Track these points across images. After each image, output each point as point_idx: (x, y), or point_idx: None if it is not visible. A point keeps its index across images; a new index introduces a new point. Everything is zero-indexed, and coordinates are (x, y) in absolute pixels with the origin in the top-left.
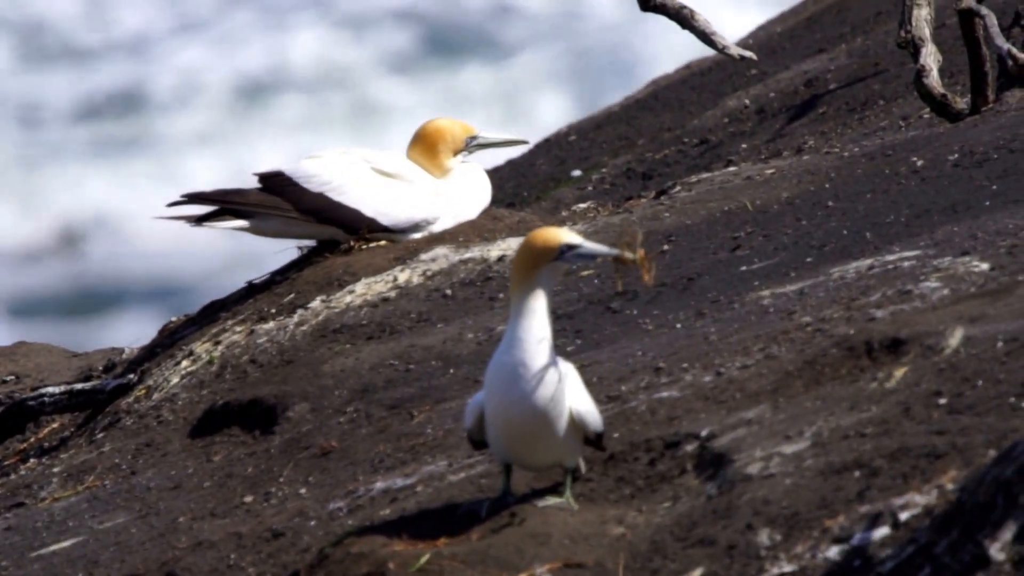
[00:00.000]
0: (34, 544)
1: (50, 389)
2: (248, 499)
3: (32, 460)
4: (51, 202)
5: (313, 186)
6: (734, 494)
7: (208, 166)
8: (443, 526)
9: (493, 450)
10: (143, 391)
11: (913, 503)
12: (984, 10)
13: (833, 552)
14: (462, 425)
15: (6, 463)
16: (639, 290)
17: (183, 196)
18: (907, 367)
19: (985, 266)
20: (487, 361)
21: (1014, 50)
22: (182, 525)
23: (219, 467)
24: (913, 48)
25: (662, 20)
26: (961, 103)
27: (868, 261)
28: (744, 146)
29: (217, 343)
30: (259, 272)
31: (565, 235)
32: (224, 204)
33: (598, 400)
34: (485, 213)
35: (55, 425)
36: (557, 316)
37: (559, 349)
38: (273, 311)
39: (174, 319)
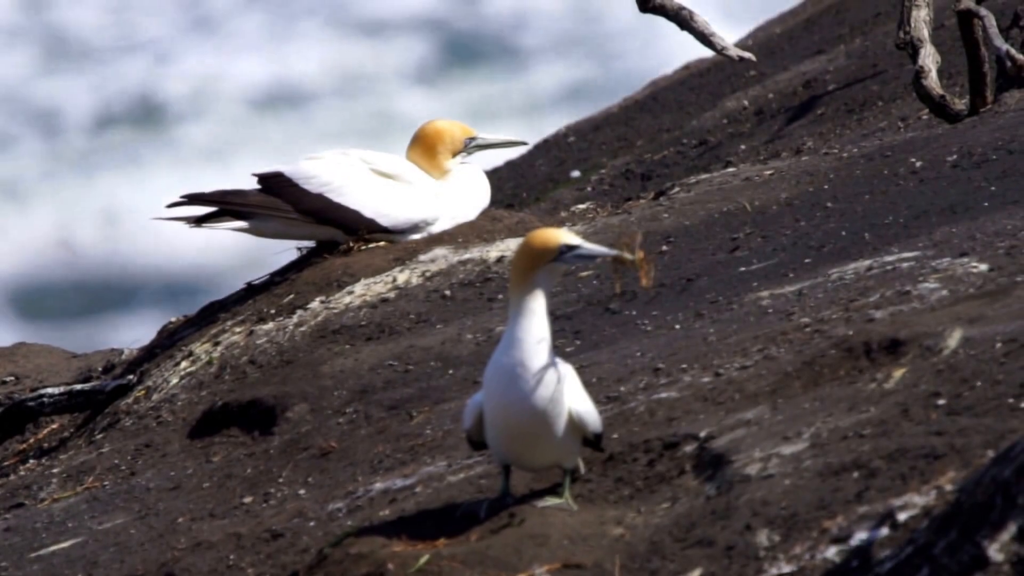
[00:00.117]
0: (33, 545)
1: (49, 390)
2: (247, 500)
3: (31, 461)
4: (66, 205)
5: (312, 187)
6: (733, 495)
7: (225, 174)
8: (442, 527)
9: (492, 451)
10: (142, 392)
11: (912, 504)
12: (983, 11)
13: (832, 553)
14: (461, 426)
15: (6, 464)
16: (638, 291)
17: (183, 197)
18: (906, 368)
19: (984, 267)
20: (486, 362)
21: (1013, 51)
22: (181, 526)
23: (218, 468)
24: (912, 49)
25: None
26: (960, 104)
27: (867, 262)
28: (743, 147)
29: (216, 344)
30: (270, 272)
31: (564, 236)
32: (224, 205)
33: (597, 401)
34: (484, 214)
35: (54, 426)
36: (556, 317)
37: (558, 350)
38: (272, 312)
39: (173, 320)
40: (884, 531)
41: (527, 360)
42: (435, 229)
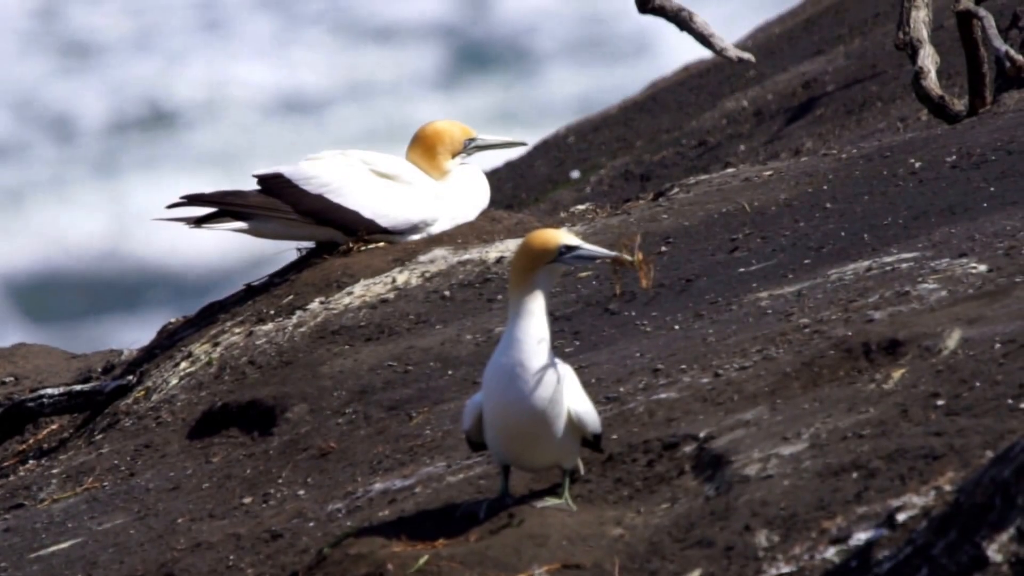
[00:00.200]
0: (33, 545)
1: (49, 391)
2: (247, 500)
3: (31, 461)
4: (78, 208)
5: (312, 188)
6: (732, 495)
7: (239, 180)
8: (442, 527)
9: (491, 451)
10: (142, 392)
11: (911, 504)
12: (982, 12)
13: (831, 553)
14: (460, 426)
15: (5, 464)
16: (637, 291)
17: (182, 198)
18: (905, 368)
19: (983, 268)
20: (485, 362)
21: (1012, 52)
22: (181, 526)
23: (218, 468)
24: (911, 50)
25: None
26: (959, 105)
27: (866, 263)
28: (742, 148)
29: (216, 344)
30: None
31: (563, 236)
32: (223, 206)
33: (596, 401)
34: (483, 215)
35: (54, 426)
36: (555, 317)
37: (557, 350)
38: (272, 312)
39: (173, 320)
40: (883, 531)
41: (526, 361)
42: (434, 230)
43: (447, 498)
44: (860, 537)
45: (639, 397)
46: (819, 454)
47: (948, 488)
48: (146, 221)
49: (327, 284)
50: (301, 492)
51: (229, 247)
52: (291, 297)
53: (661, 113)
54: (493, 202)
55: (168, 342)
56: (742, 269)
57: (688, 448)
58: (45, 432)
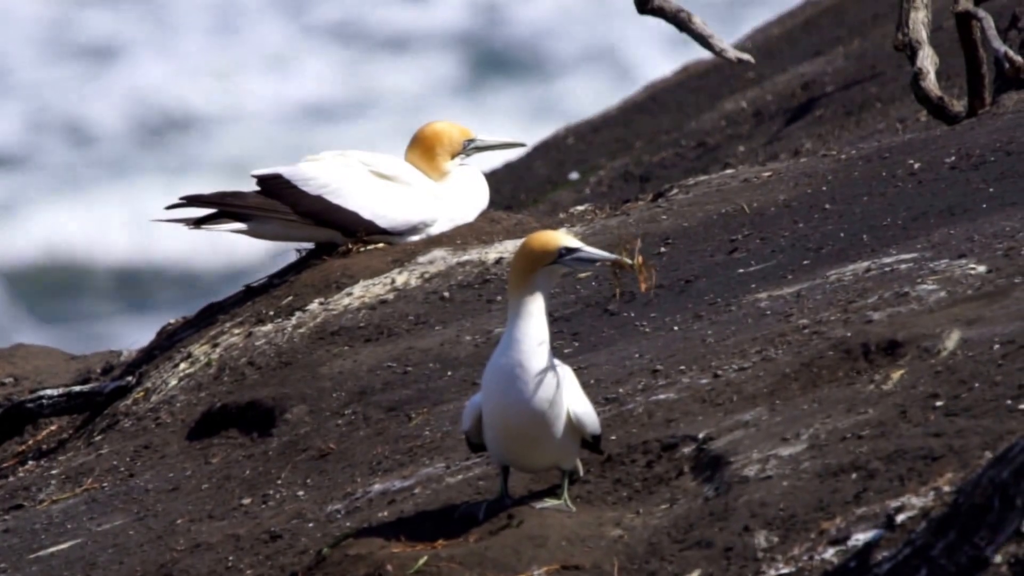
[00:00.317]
0: (32, 546)
1: (48, 391)
2: (246, 501)
3: (30, 462)
4: (93, 212)
5: (311, 189)
6: (731, 496)
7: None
8: (441, 528)
9: (491, 452)
10: (141, 393)
11: (910, 505)
12: (981, 13)
13: (830, 554)
14: (460, 427)
15: (5, 465)
16: (636, 292)
17: (182, 199)
18: (904, 369)
19: (982, 269)
20: (485, 363)
21: (1011, 53)
22: (180, 527)
23: (217, 469)
24: (910, 51)
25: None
26: (958, 106)
27: (865, 263)
28: (741, 149)
29: (215, 345)
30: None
31: (564, 238)
32: (223, 207)
33: (595, 402)
34: (483, 216)
35: (53, 427)
36: (554, 318)
37: (556, 351)
38: (271, 313)
39: (172, 321)
40: (882, 532)
41: (526, 361)
42: (434, 231)
43: (446, 499)
44: (859, 538)
45: (638, 398)
46: (818, 455)
47: (947, 489)
48: (162, 227)
49: (326, 285)
50: (300, 493)
51: (250, 249)
52: (290, 298)
53: (660, 114)
54: (492, 203)
55: (167, 343)
56: (741, 270)
57: (687, 449)
58: (44, 433)
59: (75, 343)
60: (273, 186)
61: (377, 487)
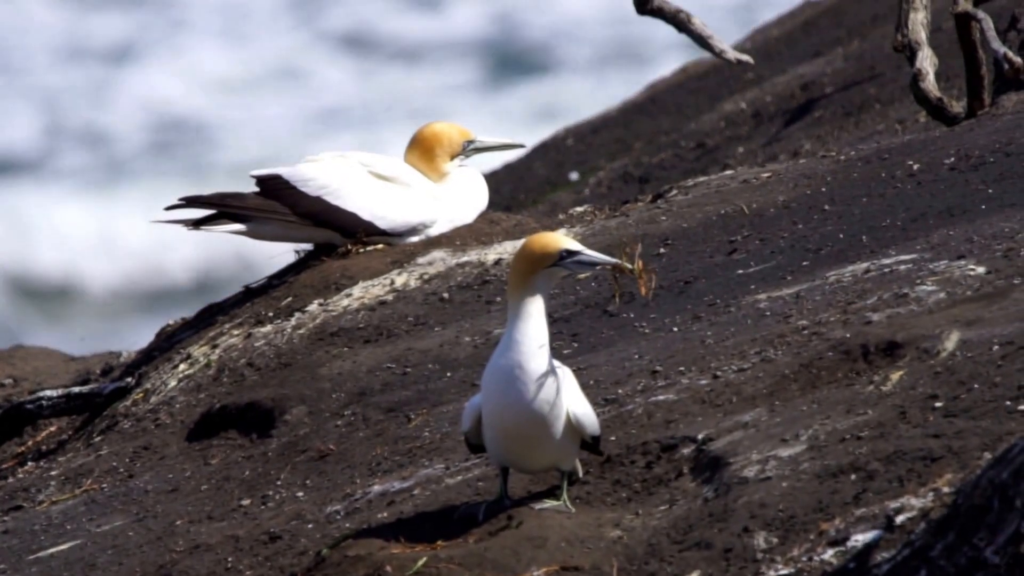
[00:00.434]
0: (32, 547)
1: (48, 392)
2: (245, 502)
3: (30, 463)
4: (106, 216)
5: (311, 190)
6: (730, 497)
7: None
8: (440, 529)
9: (490, 453)
10: (140, 394)
11: (909, 506)
12: (980, 14)
13: (829, 555)
14: (459, 428)
15: (4, 466)
16: (635, 293)
17: (181, 199)
18: (903, 370)
19: (981, 270)
20: (484, 364)
21: (1010, 54)
22: (179, 528)
23: (216, 470)
24: (909, 52)
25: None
26: (957, 107)
27: (864, 265)
28: (740, 150)
29: (214, 346)
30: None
31: (564, 241)
32: (222, 208)
33: (595, 403)
34: (482, 217)
35: (53, 428)
36: (554, 319)
37: (556, 352)
38: (270, 314)
39: (171, 322)
40: (882, 533)
41: (525, 363)
42: (433, 232)
43: (446, 500)
44: (858, 539)
45: (637, 399)
46: (817, 456)
47: (946, 490)
48: (183, 233)
49: (326, 286)
50: (300, 494)
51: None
52: (289, 299)
53: (660, 115)
54: (491, 204)
55: (166, 344)
56: (740, 271)
57: (686, 450)
58: (44, 434)
59: (75, 344)
60: (272, 187)
61: (376, 488)
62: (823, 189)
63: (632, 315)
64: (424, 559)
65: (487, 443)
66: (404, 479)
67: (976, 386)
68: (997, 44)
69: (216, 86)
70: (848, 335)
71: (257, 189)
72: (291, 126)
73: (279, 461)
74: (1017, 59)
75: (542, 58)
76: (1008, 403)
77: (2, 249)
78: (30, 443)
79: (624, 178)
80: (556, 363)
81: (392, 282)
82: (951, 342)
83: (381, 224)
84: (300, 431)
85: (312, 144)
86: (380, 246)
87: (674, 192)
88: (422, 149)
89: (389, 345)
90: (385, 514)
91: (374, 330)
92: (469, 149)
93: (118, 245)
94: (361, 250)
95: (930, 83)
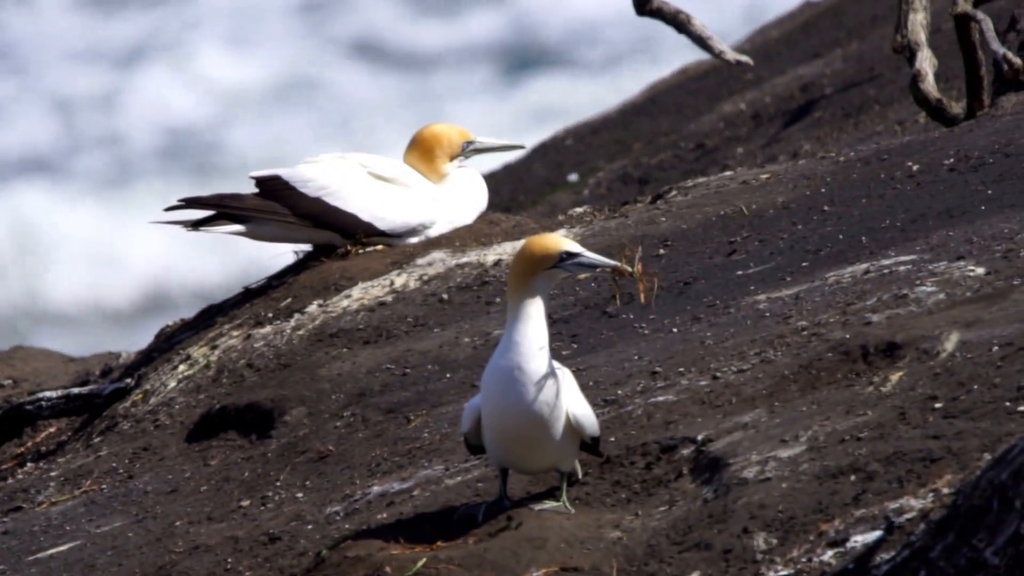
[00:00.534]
0: (31, 548)
1: (47, 393)
2: (245, 503)
3: (29, 464)
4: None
5: (310, 190)
6: (730, 498)
7: None
8: (440, 530)
9: (490, 454)
10: (140, 395)
11: (909, 507)
12: (980, 15)
13: (829, 556)
14: (459, 429)
15: (3, 467)
16: (635, 294)
17: (180, 200)
18: (903, 371)
19: (980, 271)
20: (483, 365)
21: (1010, 54)
22: (179, 529)
23: (216, 471)
24: (909, 53)
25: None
26: (957, 107)
27: (864, 265)
28: (740, 151)
29: (214, 347)
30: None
31: (564, 243)
32: (221, 208)
33: (594, 404)
34: (481, 218)
35: (52, 429)
36: (553, 320)
37: (555, 353)
38: (270, 315)
39: (171, 323)
40: (881, 534)
41: (525, 364)
42: (432, 233)
43: (445, 501)
44: (858, 540)
45: (637, 400)
46: (817, 457)
47: (946, 491)
48: (196, 237)
49: (325, 287)
50: (299, 495)
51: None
52: (289, 300)
53: (659, 116)
54: (491, 205)
55: (166, 345)
56: (740, 272)
57: (686, 451)
58: (43, 435)
59: (76, 345)
60: (272, 188)
61: (376, 489)
62: (822, 190)
63: (631, 316)
64: (424, 560)
65: (487, 444)
66: (403, 480)
67: (976, 387)
68: (996, 45)
69: (227, 93)
70: (848, 336)
71: (256, 190)
72: (302, 132)
73: (278, 462)
74: (1016, 60)
75: (556, 59)
76: (1007, 404)
77: (13, 252)
78: (29, 444)
79: (623, 179)
80: (556, 364)
81: (391, 283)
82: (951, 343)
83: (380, 225)
84: (299, 432)
85: (324, 151)
86: (379, 247)
87: (673, 193)
88: (421, 150)
89: (388, 346)
90: (384, 515)
91: (373, 331)
92: (468, 150)
93: (128, 252)
94: (360, 251)
95: (929, 84)
